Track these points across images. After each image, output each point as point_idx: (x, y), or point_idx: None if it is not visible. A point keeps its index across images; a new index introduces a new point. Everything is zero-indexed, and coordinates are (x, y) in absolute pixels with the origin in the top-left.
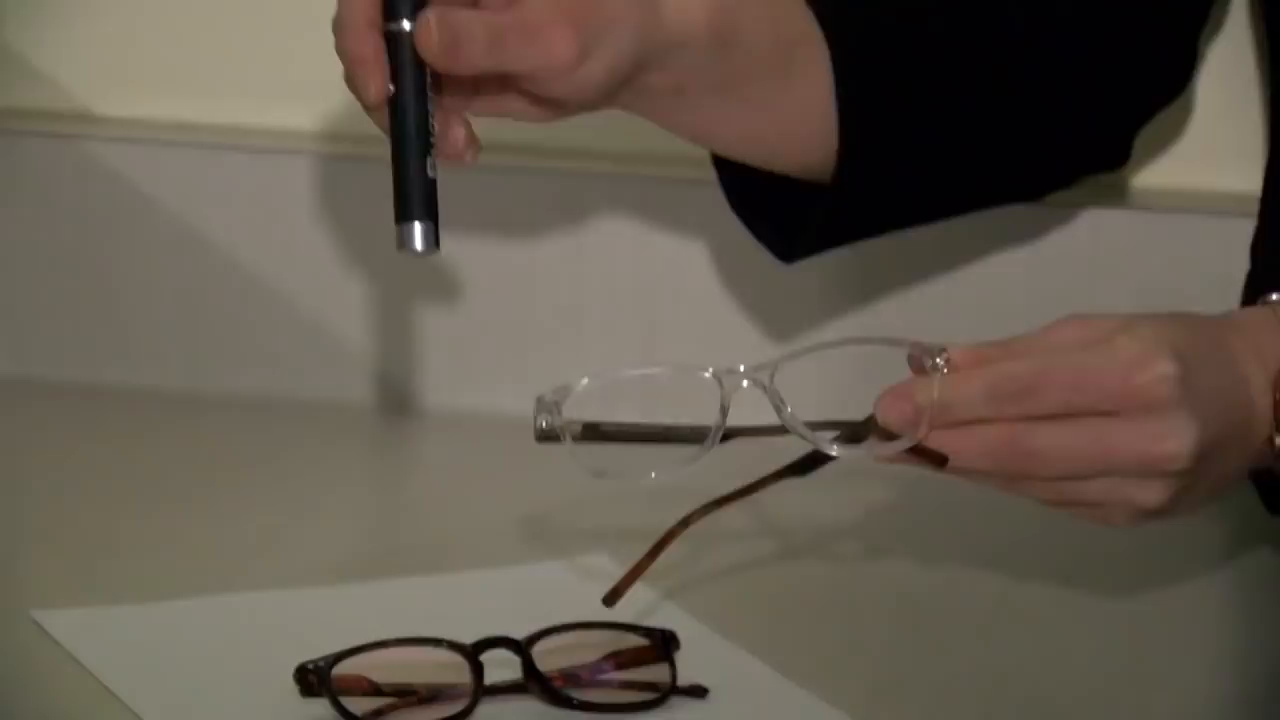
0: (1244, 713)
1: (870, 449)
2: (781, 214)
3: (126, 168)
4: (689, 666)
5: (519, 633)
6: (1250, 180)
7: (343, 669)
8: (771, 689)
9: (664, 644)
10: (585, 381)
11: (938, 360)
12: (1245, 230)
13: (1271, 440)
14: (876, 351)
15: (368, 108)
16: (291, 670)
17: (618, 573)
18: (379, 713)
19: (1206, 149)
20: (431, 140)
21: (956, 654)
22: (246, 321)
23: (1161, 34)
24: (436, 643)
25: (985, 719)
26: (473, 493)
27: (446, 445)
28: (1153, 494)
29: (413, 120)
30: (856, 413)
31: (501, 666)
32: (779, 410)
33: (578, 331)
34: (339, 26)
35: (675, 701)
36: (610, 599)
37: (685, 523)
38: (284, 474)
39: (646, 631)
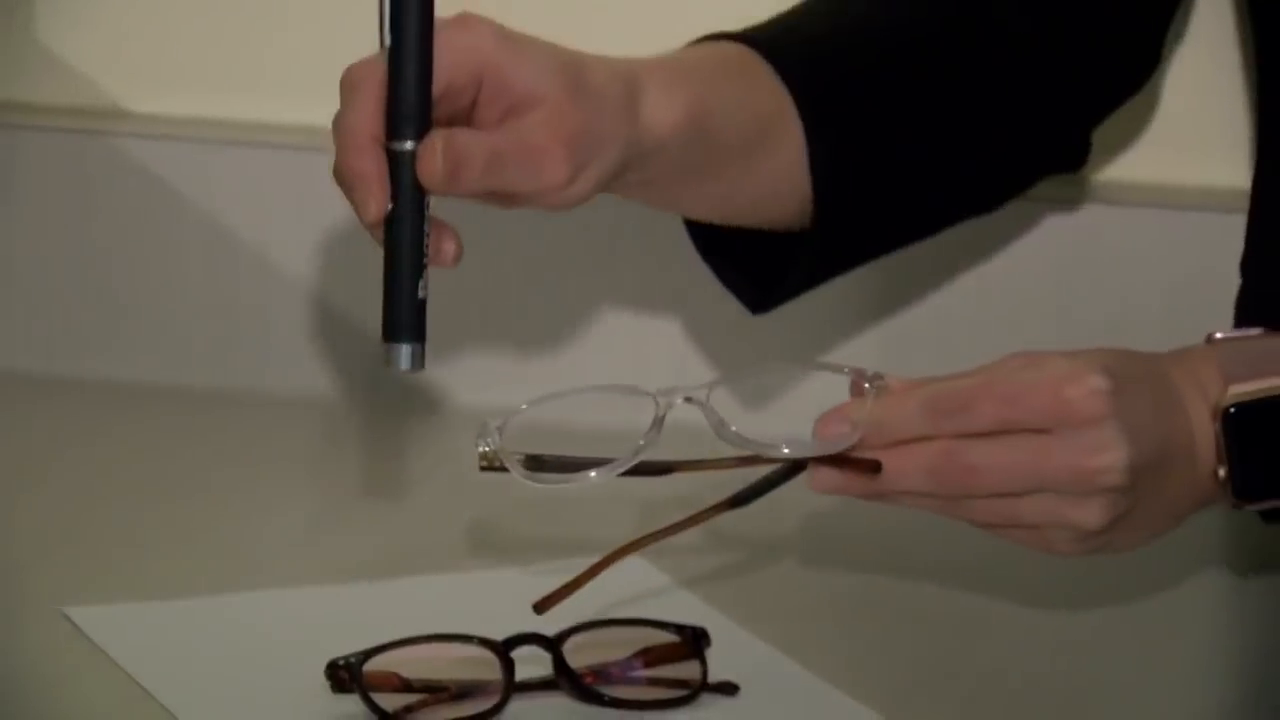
0: None
1: (806, 447)
2: (751, 264)
3: (156, 164)
4: (720, 663)
5: (549, 630)
6: (1223, 174)
7: (373, 665)
8: (802, 687)
9: (695, 641)
10: (524, 408)
11: (874, 383)
12: (1218, 224)
13: (1216, 473)
14: (818, 378)
15: (365, 225)
16: (322, 666)
17: (649, 571)
18: (410, 709)
19: (1182, 142)
20: (425, 261)
21: (985, 653)
22: (275, 318)
23: (1124, 29)
24: (467, 639)
25: (1013, 717)
26: (503, 492)
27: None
28: (1091, 514)
29: (409, 240)
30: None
31: (532, 663)
32: (719, 428)
33: (599, 332)
34: (341, 140)
35: (706, 699)
36: (540, 607)
37: (624, 551)
38: (314, 470)
39: (677, 628)
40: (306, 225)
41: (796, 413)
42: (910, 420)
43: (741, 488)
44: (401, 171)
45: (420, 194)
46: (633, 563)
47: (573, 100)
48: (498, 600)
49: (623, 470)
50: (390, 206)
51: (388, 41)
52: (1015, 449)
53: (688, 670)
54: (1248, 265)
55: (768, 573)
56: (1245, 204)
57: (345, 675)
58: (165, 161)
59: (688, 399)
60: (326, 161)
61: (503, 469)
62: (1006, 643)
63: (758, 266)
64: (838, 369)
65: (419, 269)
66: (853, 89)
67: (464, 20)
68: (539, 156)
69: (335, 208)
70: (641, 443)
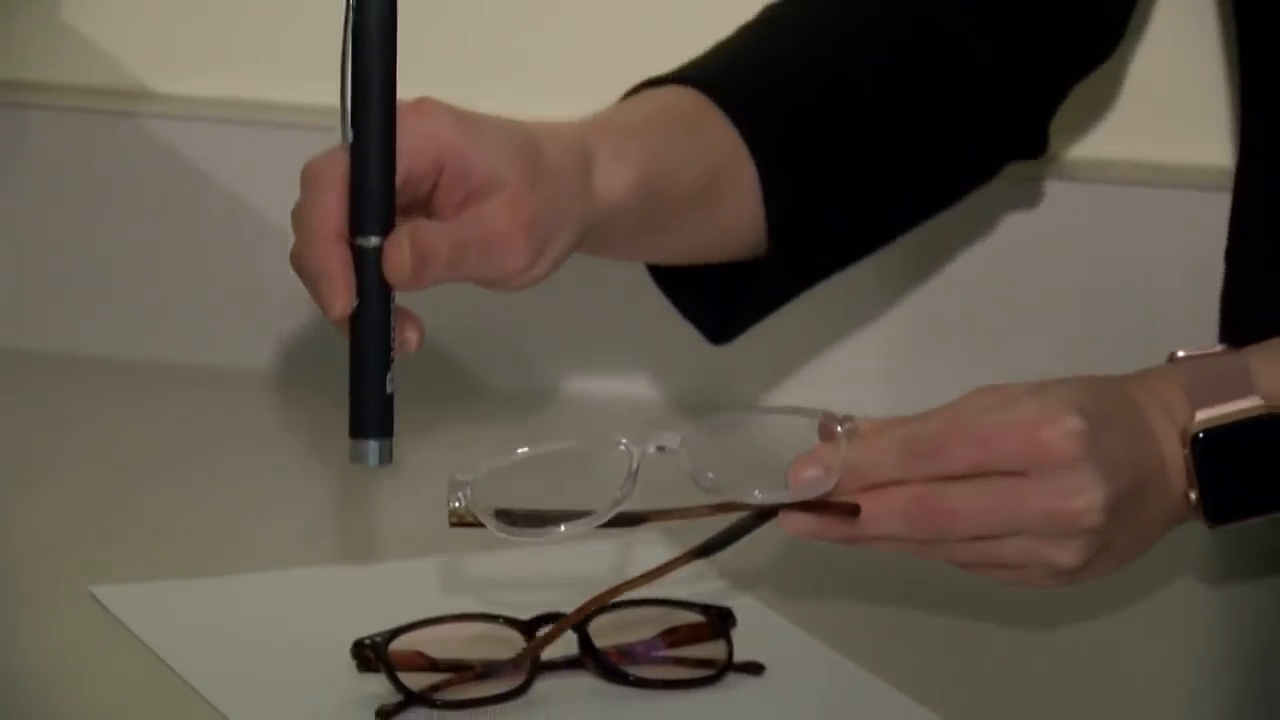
0: None
1: (782, 496)
2: (710, 295)
3: (179, 143)
4: (745, 643)
5: (573, 609)
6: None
7: (399, 645)
8: (828, 667)
9: (720, 621)
10: (491, 464)
11: (844, 426)
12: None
13: (1187, 496)
14: (787, 421)
15: (331, 321)
16: (348, 646)
17: (672, 550)
18: (435, 688)
19: (1158, 120)
20: (391, 356)
21: (1013, 635)
22: (302, 298)
23: (1085, 9)
24: (493, 618)
25: (1041, 700)
26: (528, 471)
27: (504, 424)
28: (1068, 554)
29: (375, 336)
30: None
31: (557, 643)
32: (694, 476)
33: (637, 310)
34: (302, 236)
35: (731, 678)
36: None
37: (597, 601)
38: (339, 451)
39: (703, 608)
40: None
41: (768, 457)
42: (884, 463)
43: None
44: (367, 267)
45: (386, 289)
46: (657, 543)
47: (531, 184)
48: (523, 579)
49: (599, 524)
50: (355, 303)
51: (349, 138)
52: (991, 494)
53: (713, 650)
54: (1231, 255)
55: (793, 553)
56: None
57: (371, 654)
58: (188, 141)
59: (659, 448)
60: None
61: (476, 524)
62: (1033, 625)
63: (717, 297)
64: (809, 413)
65: (386, 363)
66: (802, 120)
67: (421, 106)
68: (501, 245)
69: None
70: (618, 494)
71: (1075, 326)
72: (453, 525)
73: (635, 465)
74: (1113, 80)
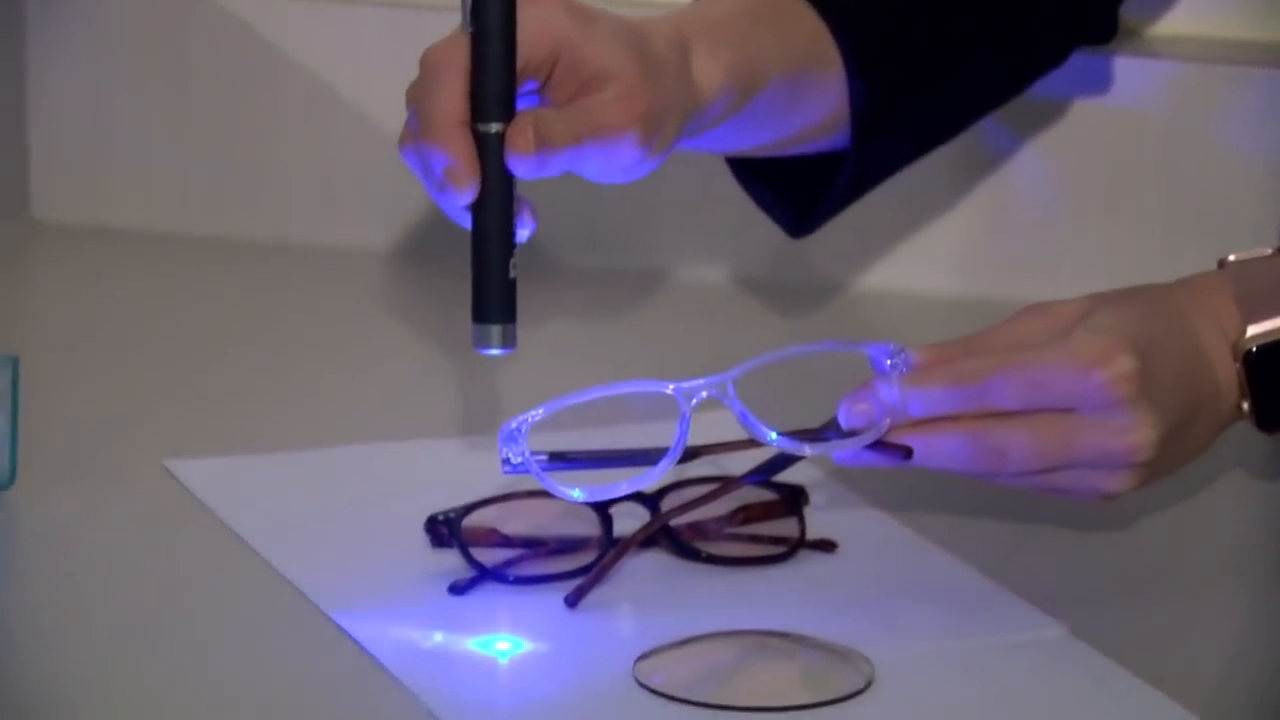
0: None
1: (835, 445)
2: (788, 188)
3: (256, 21)
4: (818, 521)
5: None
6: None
7: (472, 520)
8: (901, 544)
9: (793, 498)
10: (540, 411)
11: (896, 360)
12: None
13: (1239, 406)
14: (836, 356)
15: (449, 208)
16: (421, 521)
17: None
18: (508, 564)
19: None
20: (513, 241)
21: (1088, 516)
22: (378, 176)
23: None
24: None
25: (1116, 579)
26: (601, 350)
27: (578, 302)
28: (1119, 482)
29: (498, 222)
30: (817, 420)
31: (630, 519)
32: (742, 419)
33: (691, 196)
34: (424, 122)
35: (804, 555)
36: (573, 599)
37: (647, 528)
38: (416, 327)
39: (776, 486)
40: (404, 83)
41: (820, 393)
42: (934, 402)
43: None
44: (490, 153)
45: (509, 175)
46: (729, 422)
47: (643, 77)
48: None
49: (652, 482)
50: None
51: (470, 27)
52: (1043, 432)
53: (786, 528)
54: None
55: None
56: None
57: (444, 530)
58: (265, 19)
59: (709, 393)
60: (425, 19)
61: (526, 471)
62: (1113, 508)
63: (796, 190)
64: (858, 346)
65: (509, 249)
66: (885, 11)
67: None
68: (616, 137)
69: None
70: (675, 444)
71: (1152, 207)
72: (505, 473)
73: (685, 412)
74: None
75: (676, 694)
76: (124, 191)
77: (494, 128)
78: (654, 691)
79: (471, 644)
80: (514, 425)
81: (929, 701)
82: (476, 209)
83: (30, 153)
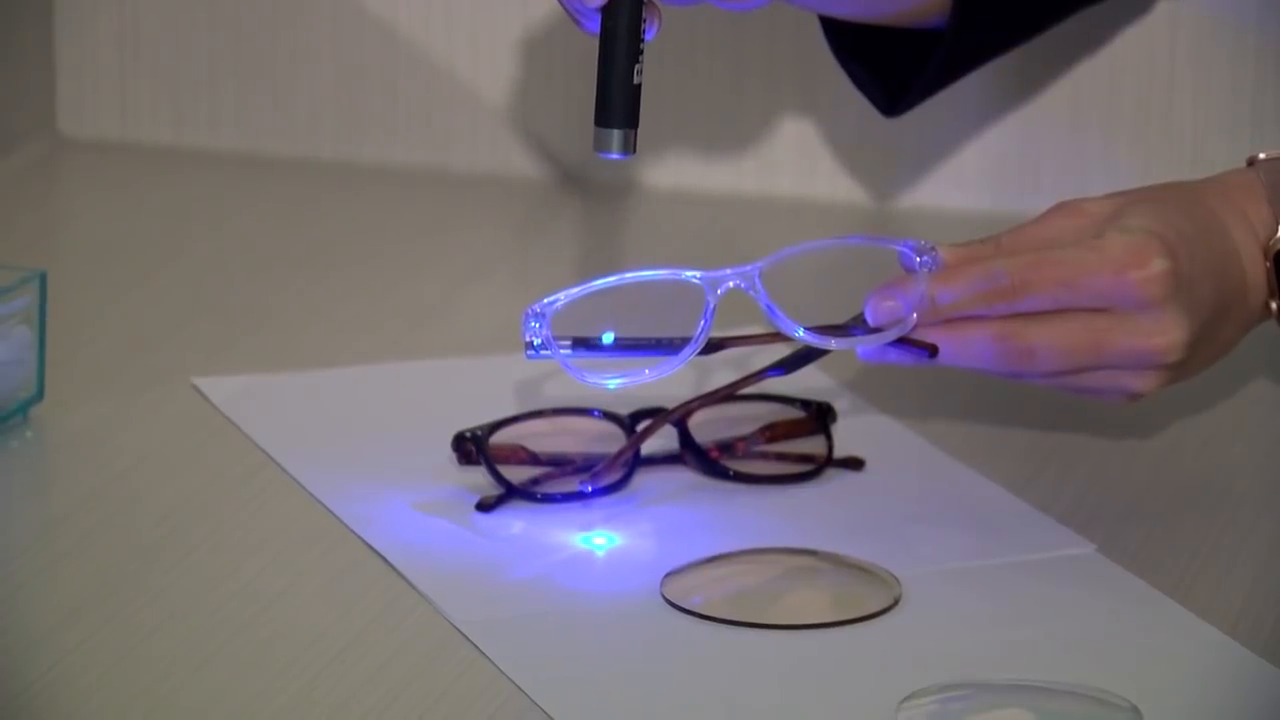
0: None
1: (860, 340)
2: (883, 66)
3: None
4: (845, 439)
5: (672, 404)
6: None
7: (499, 438)
8: (929, 461)
9: (820, 416)
10: (564, 295)
11: (926, 258)
12: None
13: (1268, 305)
14: (865, 253)
15: (586, 9)
16: (448, 439)
17: (779, 348)
18: (535, 481)
19: None
20: (641, 46)
21: (1114, 427)
22: (405, 92)
23: None
24: (592, 412)
25: (1145, 496)
26: (603, 299)
27: (608, 217)
28: (1147, 382)
29: (627, 25)
30: (843, 316)
31: (657, 437)
32: (769, 311)
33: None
34: None
35: (831, 473)
36: (590, 488)
37: (666, 417)
38: (441, 246)
39: (803, 404)
40: None
41: (846, 289)
42: (964, 300)
43: None
44: None
45: None
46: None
47: None
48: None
49: (678, 367)
50: None
51: None
52: (1073, 333)
53: (813, 445)
54: None
55: None
56: None
57: (471, 447)
58: None
59: (736, 283)
60: None
61: (549, 355)
62: (1136, 421)
63: (892, 69)
64: (888, 242)
65: (636, 54)
66: None
67: None
68: None
69: None
70: (698, 332)
71: (1182, 122)
72: (529, 357)
73: (712, 302)
74: None
75: (703, 611)
76: (152, 107)
77: None
78: (681, 609)
79: (495, 561)
80: (538, 308)
81: (956, 619)
82: (606, 11)
83: (58, 69)
